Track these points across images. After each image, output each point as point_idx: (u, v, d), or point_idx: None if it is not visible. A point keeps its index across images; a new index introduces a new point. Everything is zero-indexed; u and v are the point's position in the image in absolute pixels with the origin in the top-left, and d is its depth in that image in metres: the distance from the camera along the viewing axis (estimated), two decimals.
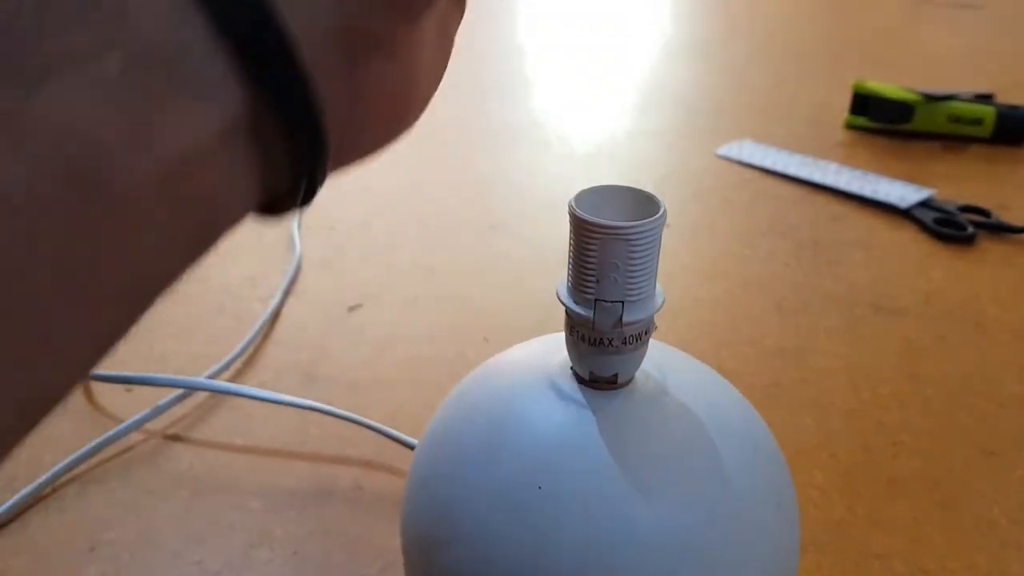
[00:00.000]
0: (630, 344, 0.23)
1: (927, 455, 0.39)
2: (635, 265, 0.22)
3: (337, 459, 0.39)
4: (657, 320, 0.49)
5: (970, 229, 0.56)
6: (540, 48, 1.03)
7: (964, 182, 0.65)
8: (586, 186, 0.23)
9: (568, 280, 0.23)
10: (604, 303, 0.22)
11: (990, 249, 0.56)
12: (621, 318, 0.22)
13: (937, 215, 0.58)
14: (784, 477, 0.25)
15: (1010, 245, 0.56)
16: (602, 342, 0.23)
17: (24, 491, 0.36)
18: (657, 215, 0.22)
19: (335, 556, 0.34)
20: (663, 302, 0.23)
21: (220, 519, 0.36)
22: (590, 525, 0.22)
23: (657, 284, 0.23)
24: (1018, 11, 1.14)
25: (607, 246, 0.21)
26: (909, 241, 0.57)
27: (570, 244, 0.22)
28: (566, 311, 0.23)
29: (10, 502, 0.36)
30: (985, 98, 0.75)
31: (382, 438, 0.39)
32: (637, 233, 0.21)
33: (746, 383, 0.44)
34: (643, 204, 0.23)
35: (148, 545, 0.34)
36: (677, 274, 0.54)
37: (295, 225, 0.58)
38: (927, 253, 0.55)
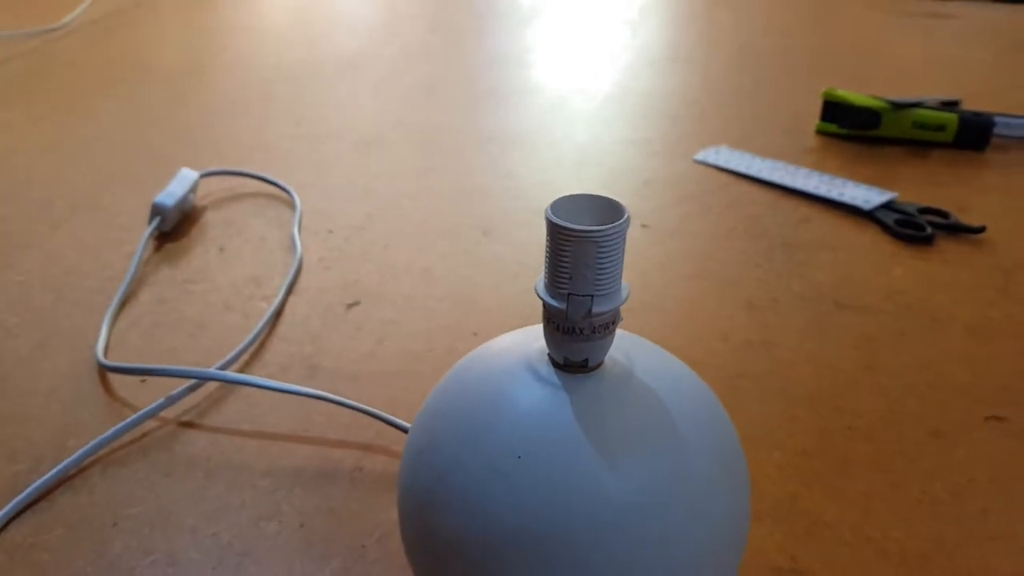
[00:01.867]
0: (599, 333, 0.27)
1: (879, 438, 0.43)
2: (602, 263, 0.25)
3: (339, 443, 0.42)
4: (636, 316, 0.52)
5: (929, 230, 0.60)
6: (531, 59, 1.06)
7: (927, 185, 0.69)
8: (568, 193, 0.27)
9: (545, 277, 0.27)
10: (576, 297, 0.26)
11: (948, 249, 0.60)
12: (591, 310, 0.26)
13: (898, 216, 0.62)
14: (736, 448, 0.29)
15: (967, 245, 0.60)
16: (574, 331, 0.26)
17: (51, 472, 0.39)
18: (621, 220, 0.25)
19: (338, 528, 0.37)
20: (628, 295, 0.27)
21: (232, 497, 0.39)
22: (564, 488, 0.25)
23: (623, 280, 0.27)
24: (988, 21, 1.18)
25: (578, 247, 0.25)
26: (872, 242, 0.61)
27: (547, 246, 0.26)
28: (543, 304, 0.27)
29: (39, 482, 0.39)
30: (951, 105, 0.79)
31: (380, 423, 0.43)
32: (604, 236, 0.25)
33: (716, 373, 0.47)
34: (610, 210, 0.26)
35: (167, 520, 0.38)
36: (655, 273, 0.57)
37: (296, 228, 0.62)
38: (889, 253, 0.59)
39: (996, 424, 0.44)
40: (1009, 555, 0.36)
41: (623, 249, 0.26)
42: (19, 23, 1.19)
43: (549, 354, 0.28)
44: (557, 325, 0.27)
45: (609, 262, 0.25)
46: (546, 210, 0.26)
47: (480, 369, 0.29)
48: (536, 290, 0.27)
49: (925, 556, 0.36)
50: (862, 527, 0.38)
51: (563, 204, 0.26)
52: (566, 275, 0.26)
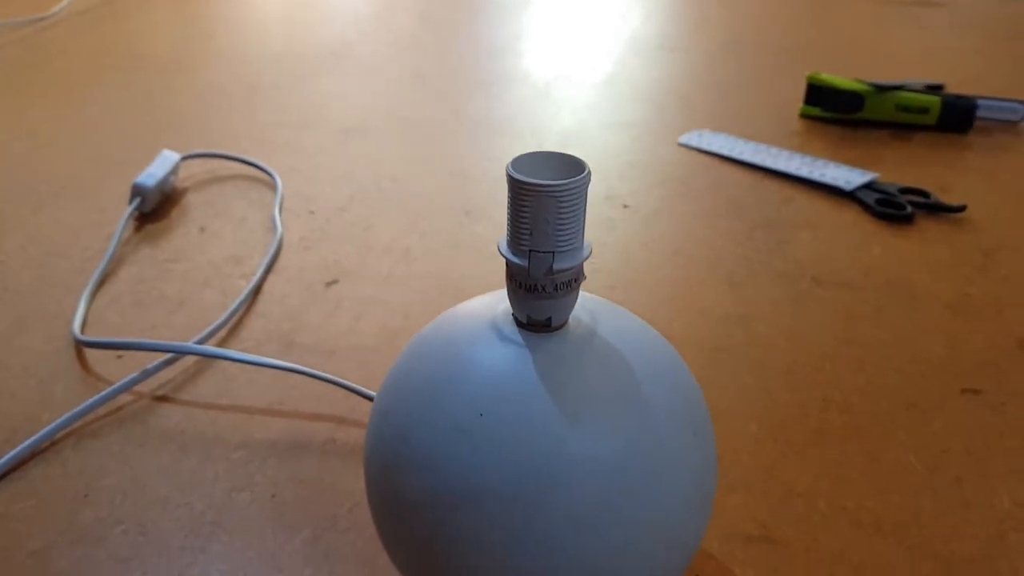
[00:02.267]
0: (561, 290, 0.27)
1: (855, 410, 0.43)
2: (563, 219, 0.25)
3: (313, 416, 0.42)
4: (618, 292, 0.52)
5: (909, 209, 0.60)
6: (515, 45, 1.06)
7: (909, 166, 0.69)
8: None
9: (507, 235, 0.27)
10: (537, 253, 0.26)
11: (928, 228, 0.60)
12: (552, 266, 0.26)
13: (879, 196, 0.62)
14: (700, 409, 0.29)
15: (946, 224, 0.60)
16: (536, 288, 0.26)
17: (24, 444, 0.39)
18: (582, 175, 0.25)
19: (309, 499, 0.37)
20: (590, 253, 0.27)
21: (205, 469, 0.39)
22: (525, 446, 0.25)
23: (585, 238, 0.27)
24: (976, 8, 1.18)
25: (538, 202, 0.25)
26: (852, 221, 0.61)
27: (508, 203, 0.26)
28: (506, 262, 0.27)
29: (12, 453, 0.39)
30: (935, 89, 0.79)
31: (355, 397, 0.43)
32: (564, 190, 0.25)
33: (696, 347, 0.47)
34: (571, 167, 0.26)
35: (139, 491, 0.38)
36: (638, 252, 0.57)
37: (277, 210, 0.62)
38: (869, 232, 0.59)
39: (972, 396, 0.44)
40: (983, 523, 0.36)
41: (584, 206, 0.26)
42: (8, 12, 1.19)
43: (513, 314, 0.28)
44: (519, 283, 0.27)
45: (570, 218, 0.25)
46: (507, 166, 0.26)
47: (445, 331, 0.29)
48: (498, 247, 0.27)
49: (900, 524, 0.36)
50: (836, 497, 0.38)
51: (524, 161, 0.26)
52: (527, 231, 0.26)
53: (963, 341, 0.48)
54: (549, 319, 0.27)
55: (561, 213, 0.25)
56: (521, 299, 0.27)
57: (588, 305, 0.29)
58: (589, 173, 0.26)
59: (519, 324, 0.28)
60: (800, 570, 0.34)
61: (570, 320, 0.28)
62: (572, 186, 0.25)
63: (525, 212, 0.25)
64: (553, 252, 0.26)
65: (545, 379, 0.26)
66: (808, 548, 0.35)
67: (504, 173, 0.69)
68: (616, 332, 0.29)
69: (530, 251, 0.26)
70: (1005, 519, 0.37)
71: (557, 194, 0.25)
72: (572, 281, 0.27)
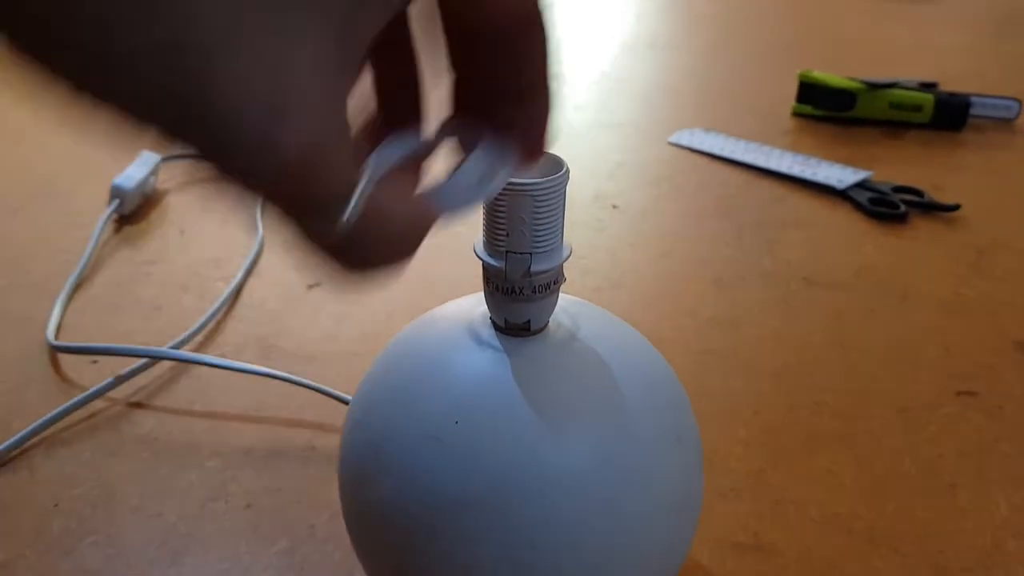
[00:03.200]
0: (540, 293, 0.25)
1: (846, 414, 0.42)
2: (541, 219, 0.24)
3: (292, 422, 0.41)
4: (605, 294, 0.51)
5: (902, 208, 0.59)
6: None
7: (902, 165, 0.68)
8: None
9: (483, 236, 0.26)
10: (514, 254, 0.25)
11: (921, 227, 0.59)
12: (530, 268, 0.25)
13: (872, 195, 0.61)
14: (686, 416, 0.28)
15: (940, 223, 0.59)
16: (514, 291, 0.25)
17: None
18: (560, 173, 0.24)
19: (286, 508, 0.36)
20: (570, 254, 0.26)
21: (179, 477, 0.38)
22: (501, 454, 0.24)
23: (565, 239, 0.26)
24: (968, 5, 1.17)
25: (515, 201, 0.24)
26: (844, 220, 0.60)
27: (484, 203, 0.25)
28: (483, 264, 0.26)
29: None
30: (929, 86, 0.78)
31: (335, 403, 0.42)
32: (542, 189, 0.24)
33: (683, 350, 0.46)
34: (550, 165, 0.25)
35: (110, 500, 0.37)
36: (627, 253, 0.56)
37: (259, 210, 0.61)
38: (861, 231, 0.58)
39: (967, 399, 0.43)
40: (979, 531, 0.35)
41: (563, 205, 0.25)
42: None
43: (491, 317, 0.27)
44: (496, 285, 0.26)
45: (548, 218, 0.24)
46: None
47: (420, 335, 0.28)
48: (474, 249, 0.26)
49: (894, 532, 0.35)
50: (828, 504, 0.37)
51: None
52: (503, 231, 0.24)
53: (957, 342, 0.47)
54: (528, 323, 0.26)
55: (538, 213, 0.24)
56: (498, 302, 0.26)
57: (569, 308, 0.28)
58: (567, 171, 0.24)
59: (497, 328, 0.27)
60: None
61: (550, 323, 0.27)
62: (549, 185, 0.24)
63: (501, 212, 0.24)
64: (531, 253, 0.25)
65: (523, 385, 0.25)
66: (800, 557, 0.34)
67: None
68: (598, 336, 0.27)
69: (507, 252, 0.25)
70: (1002, 526, 0.36)
71: (534, 193, 0.24)
72: (551, 283, 0.26)
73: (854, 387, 0.44)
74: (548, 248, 0.25)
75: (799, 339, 0.47)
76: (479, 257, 0.26)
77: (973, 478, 0.38)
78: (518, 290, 0.25)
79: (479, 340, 0.27)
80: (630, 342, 0.28)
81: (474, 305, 0.29)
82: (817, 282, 0.52)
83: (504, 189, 0.24)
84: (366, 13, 0.17)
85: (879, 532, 0.35)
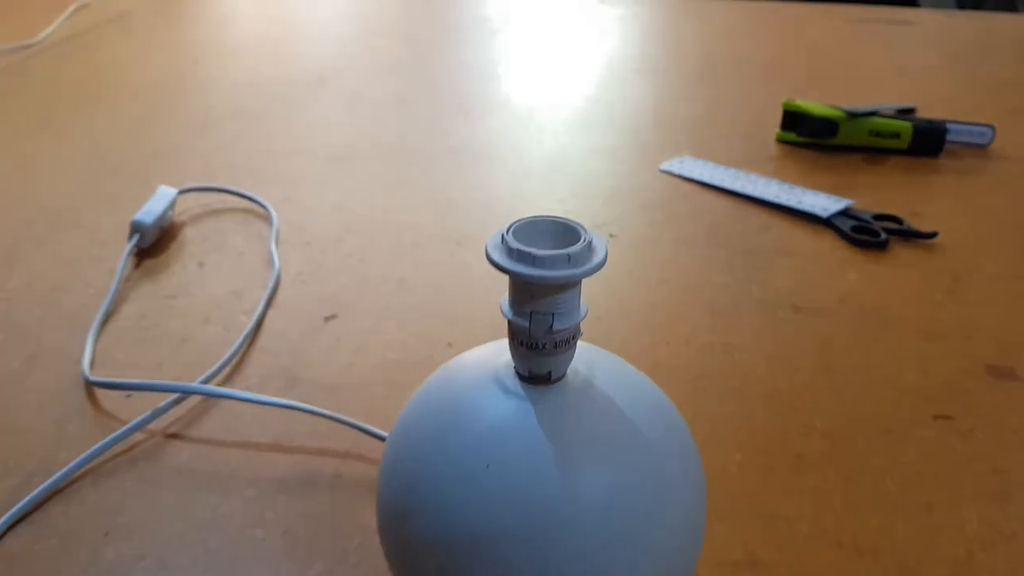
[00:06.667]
0: (560, 347, 0.29)
1: (834, 436, 0.45)
2: (562, 293, 0.27)
3: (319, 452, 0.44)
4: (603, 323, 0.55)
5: (883, 236, 0.63)
6: (499, 71, 1.09)
7: (882, 191, 0.72)
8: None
9: (509, 297, 0.29)
10: (538, 314, 0.28)
11: (901, 253, 0.63)
12: (552, 326, 0.28)
13: (854, 223, 0.65)
14: (691, 450, 0.31)
15: (919, 250, 0.63)
16: (537, 346, 0.29)
17: (44, 484, 0.41)
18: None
19: (320, 533, 0.39)
20: (587, 312, 0.29)
21: (218, 506, 0.41)
22: (529, 494, 0.28)
23: (581, 297, 0.29)
24: (944, 27, 1.22)
25: (538, 288, 0.27)
26: (829, 248, 0.63)
27: (510, 276, 0.28)
28: (508, 322, 0.29)
29: (32, 494, 0.41)
30: (907, 112, 0.82)
31: (358, 433, 0.45)
32: (564, 279, 0.27)
33: (679, 375, 0.50)
34: (569, 233, 0.28)
35: (156, 528, 0.40)
36: (622, 280, 0.59)
37: (273, 243, 0.64)
38: (844, 259, 0.62)
39: (943, 423, 0.46)
40: (951, 544, 0.39)
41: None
42: None
43: (515, 367, 0.30)
44: (521, 341, 0.29)
45: (568, 291, 0.28)
46: (503, 238, 0.28)
47: (450, 383, 0.31)
48: (501, 308, 0.29)
49: (877, 547, 0.39)
50: (817, 520, 0.40)
51: (522, 228, 0.28)
52: (527, 297, 0.28)
53: (934, 367, 0.51)
54: (549, 373, 0.29)
55: (559, 293, 0.27)
56: (523, 355, 0.29)
57: (584, 356, 0.32)
58: (588, 247, 0.27)
59: (520, 377, 0.30)
60: None
61: (568, 372, 0.30)
62: (570, 277, 0.26)
63: (525, 288, 0.27)
64: (553, 314, 0.28)
65: (547, 430, 0.28)
66: (792, 570, 0.38)
67: (492, 202, 0.71)
68: (611, 381, 0.31)
69: (531, 312, 0.28)
70: (974, 540, 0.39)
71: (556, 282, 0.27)
72: (571, 338, 0.29)
73: (841, 410, 0.47)
74: (569, 308, 0.28)
75: (789, 364, 0.51)
76: (505, 316, 0.29)
77: (947, 496, 0.42)
78: (541, 345, 0.28)
79: (504, 388, 0.30)
80: (639, 385, 0.31)
81: (498, 353, 0.32)
82: (804, 309, 0.56)
83: (529, 280, 0.26)
84: None
85: (864, 546, 0.39)
